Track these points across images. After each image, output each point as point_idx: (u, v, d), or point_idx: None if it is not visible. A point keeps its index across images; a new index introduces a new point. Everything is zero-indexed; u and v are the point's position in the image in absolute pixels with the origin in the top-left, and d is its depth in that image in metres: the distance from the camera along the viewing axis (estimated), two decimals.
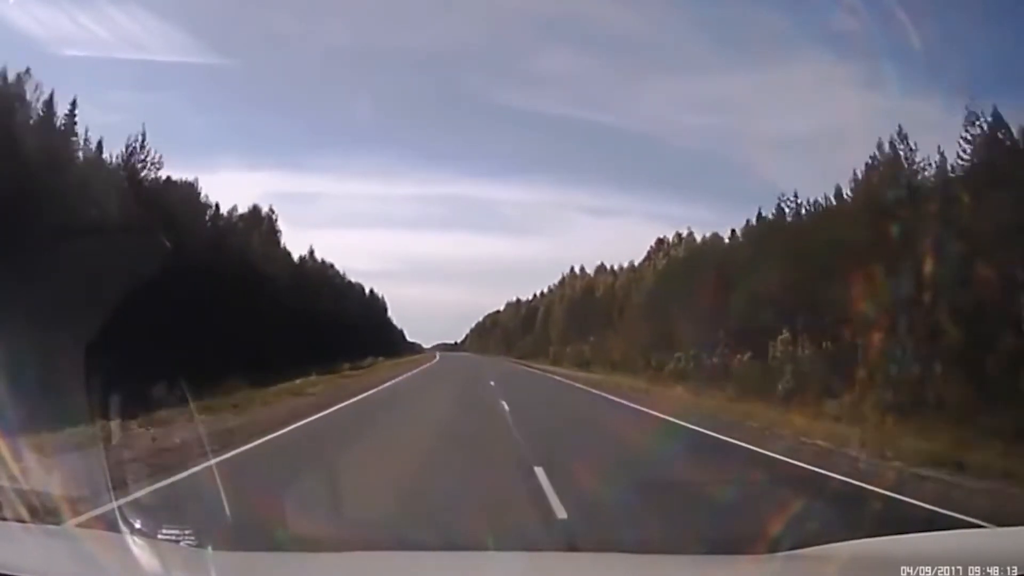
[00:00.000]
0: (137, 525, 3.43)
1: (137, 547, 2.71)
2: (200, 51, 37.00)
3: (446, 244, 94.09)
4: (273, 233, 41.67)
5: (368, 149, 67.69)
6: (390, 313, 73.60)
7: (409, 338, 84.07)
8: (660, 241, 47.47)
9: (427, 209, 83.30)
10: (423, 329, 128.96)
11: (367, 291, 64.08)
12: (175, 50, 33.75)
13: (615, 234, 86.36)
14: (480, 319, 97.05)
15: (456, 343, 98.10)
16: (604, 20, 36.64)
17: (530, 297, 77.92)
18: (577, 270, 64.99)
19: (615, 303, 48.72)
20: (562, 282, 67.76)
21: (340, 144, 67.38)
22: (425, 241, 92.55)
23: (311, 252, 48.50)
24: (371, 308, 63.52)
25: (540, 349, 63.71)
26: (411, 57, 47.99)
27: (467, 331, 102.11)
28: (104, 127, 29.60)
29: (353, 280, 58.45)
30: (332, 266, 53.49)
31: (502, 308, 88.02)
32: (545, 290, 72.34)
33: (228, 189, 66.45)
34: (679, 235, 45.95)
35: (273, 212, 42.00)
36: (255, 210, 39.88)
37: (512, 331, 79.68)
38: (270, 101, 53.54)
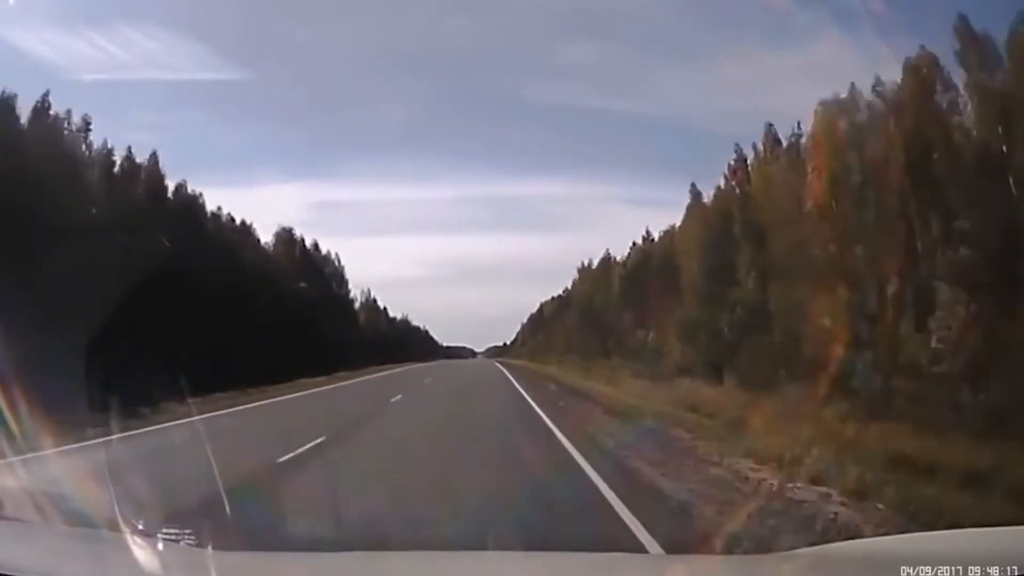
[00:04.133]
0: (137, 524, 3.42)
1: (137, 547, 2.71)
2: (224, 67, 36.78)
3: (489, 244, 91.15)
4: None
5: (401, 154, 65.92)
6: (402, 314, 63.48)
7: (446, 343, 79.61)
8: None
9: (466, 211, 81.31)
10: (475, 333, 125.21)
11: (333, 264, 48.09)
12: (199, 67, 34.04)
13: (661, 226, 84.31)
14: (535, 310, 68.18)
15: (506, 344, 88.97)
16: (629, 7, 35.90)
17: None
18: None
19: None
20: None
21: (373, 151, 65.98)
22: (467, 243, 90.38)
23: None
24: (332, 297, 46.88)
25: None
26: (438, 58, 47.42)
27: (517, 329, 76.47)
28: (134, 145, 29.17)
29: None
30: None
31: (563, 290, 55.21)
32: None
33: (265, 202, 66.27)
34: None
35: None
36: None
37: (600, 311, 41.02)
38: (299, 113, 53.09)
